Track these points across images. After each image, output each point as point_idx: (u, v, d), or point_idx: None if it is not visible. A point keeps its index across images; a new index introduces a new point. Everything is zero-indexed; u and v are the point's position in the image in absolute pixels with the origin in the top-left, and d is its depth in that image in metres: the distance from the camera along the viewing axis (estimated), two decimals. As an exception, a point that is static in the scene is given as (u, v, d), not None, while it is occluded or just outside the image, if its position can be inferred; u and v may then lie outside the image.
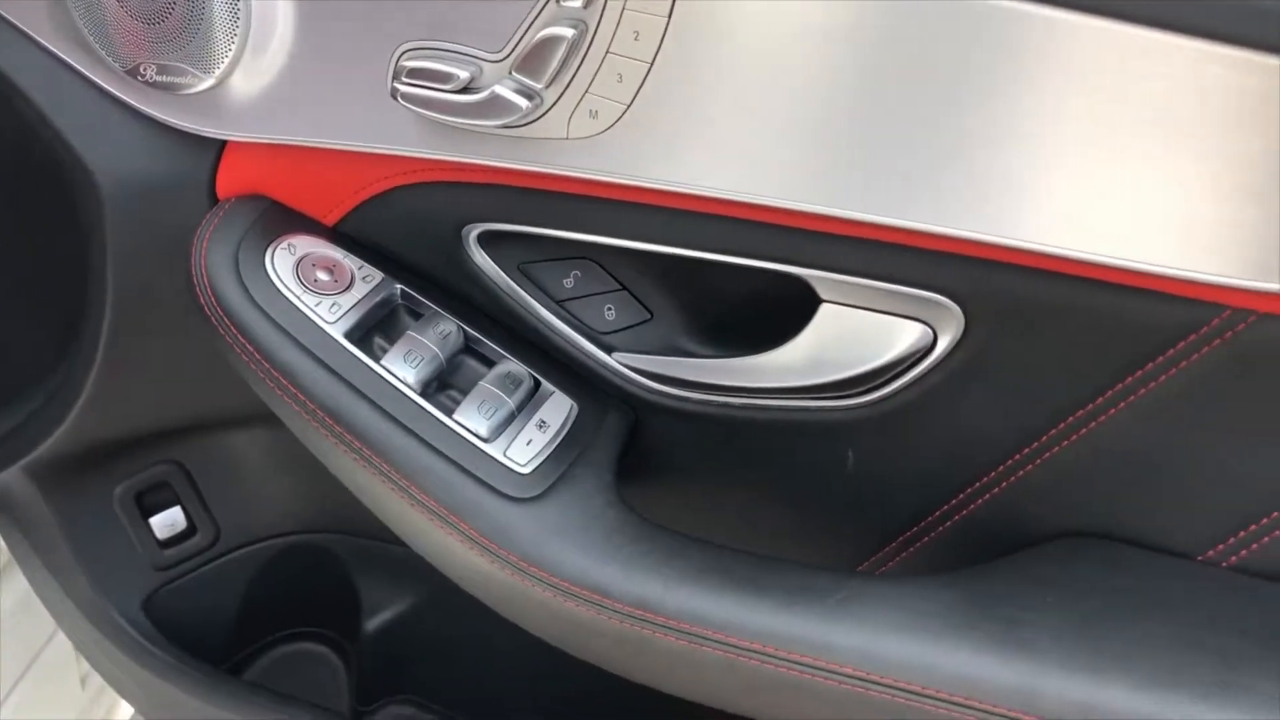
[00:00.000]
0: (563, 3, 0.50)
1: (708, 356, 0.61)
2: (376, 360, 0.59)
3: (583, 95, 0.52)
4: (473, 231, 0.61)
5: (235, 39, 0.57)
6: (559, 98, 0.53)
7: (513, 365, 0.62)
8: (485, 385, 0.60)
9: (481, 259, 0.62)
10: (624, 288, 0.62)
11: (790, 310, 0.57)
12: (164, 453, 0.78)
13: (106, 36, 0.58)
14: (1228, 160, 0.45)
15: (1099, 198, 0.47)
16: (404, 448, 0.57)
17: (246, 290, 0.60)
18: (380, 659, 0.86)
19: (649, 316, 0.63)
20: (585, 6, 0.50)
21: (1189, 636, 0.50)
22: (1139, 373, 0.52)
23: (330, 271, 0.61)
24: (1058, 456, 0.56)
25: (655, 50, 0.50)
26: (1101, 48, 0.45)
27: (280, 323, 0.59)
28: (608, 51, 0.51)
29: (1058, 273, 0.51)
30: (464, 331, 0.62)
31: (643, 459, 0.65)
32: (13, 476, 0.74)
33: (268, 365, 0.59)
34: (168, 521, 0.80)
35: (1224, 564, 0.55)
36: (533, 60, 0.52)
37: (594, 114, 0.53)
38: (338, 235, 0.63)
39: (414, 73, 0.54)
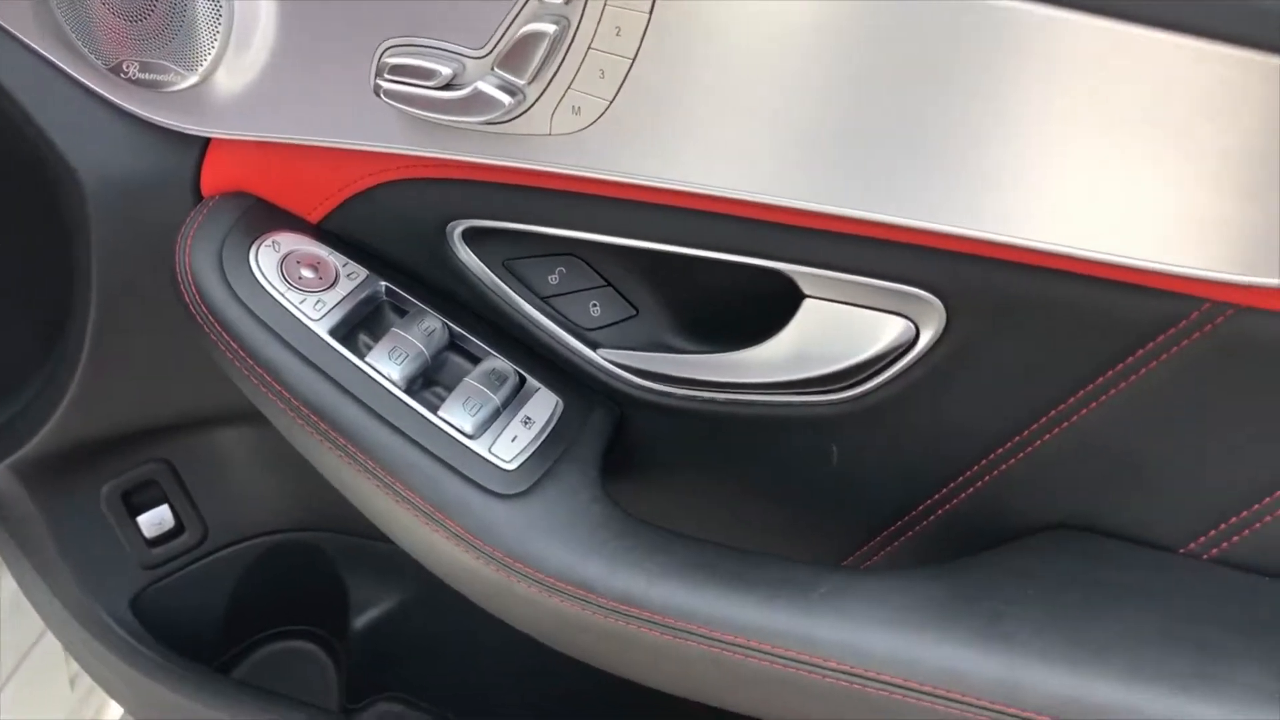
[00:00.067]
0: (544, -1, 0.51)
1: (692, 352, 0.62)
2: (361, 357, 0.59)
3: (565, 91, 0.52)
4: (457, 228, 0.61)
5: (218, 36, 0.57)
6: (541, 94, 0.53)
7: (498, 362, 0.62)
8: (470, 382, 0.60)
9: (466, 255, 0.62)
10: (609, 284, 0.62)
11: (774, 306, 0.58)
12: (151, 451, 0.78)
13: (89, 34, 0.58)
14: (1206, 154, 0.45)
15: (1079, 193, 0.48)
16: (389, 444, 0.57)
17: (231, 288, 0.60)
18: (369, 656, 0.86)
19: (634, 312, 0.63)
20: (567, 3, 0.50)
21: (1170, 629, 0.50)
22: (1120, 366, 0.53)
23: (315, 269, 0.61)
24: (1040, 450, 0.56)
25: (637, 46, 0.50)
26: (1080, 43, 0.45)
27: (265, 320, 0.59)
28: (590, 48, 0.51)
29: (1039, 267, 0.51)
30: (449, 328, 0.62)
31: (628, 455, 0.65)
32: (-1, 475, 0.74)
33: (252, 363, 0.59)
34: (155, 520, 0.80)
35: (1205, 556, 0.55)
36: (515, 57, 0.52)
37: (576, 110, 0.53)
38: (322, 232, 0.63)
39: (396, 69, 0.54)
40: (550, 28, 0.51)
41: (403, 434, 0.57)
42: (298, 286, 0.60)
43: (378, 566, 0.82)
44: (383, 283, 0.62)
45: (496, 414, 0.59)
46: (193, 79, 0.58)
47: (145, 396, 0.73)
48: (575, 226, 0.59)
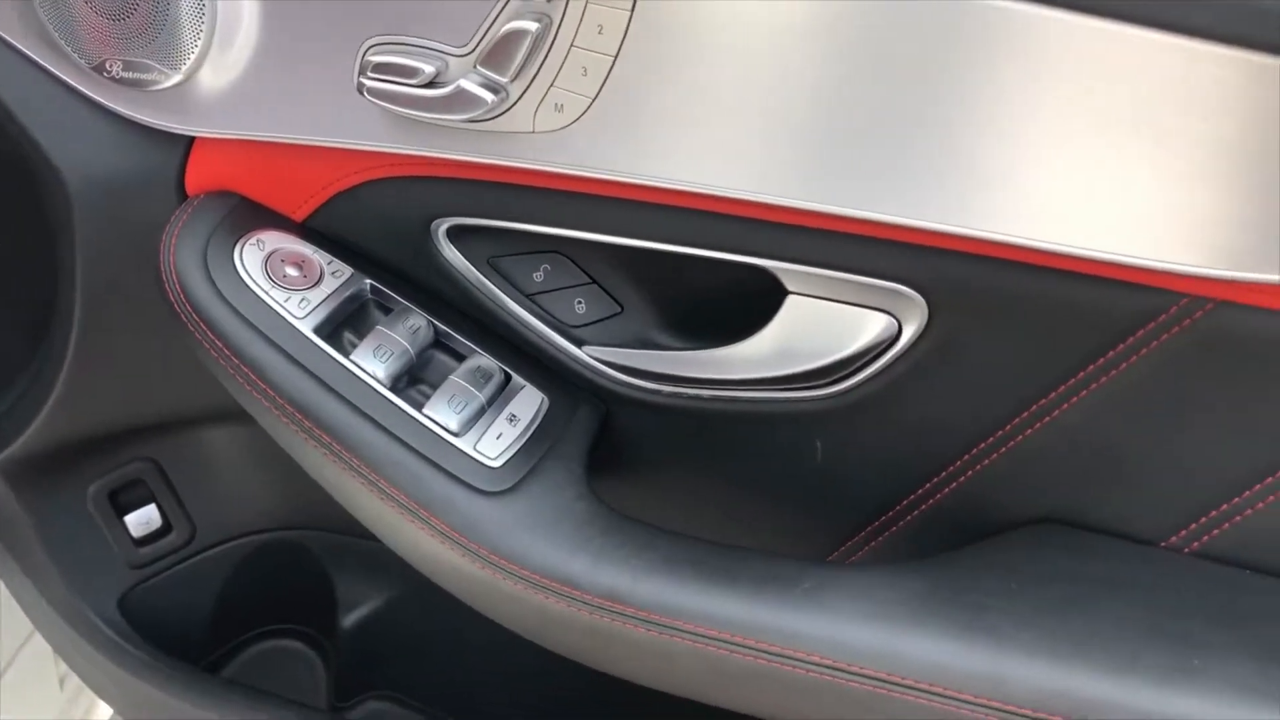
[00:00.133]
0: (526, -3, 0.51)
1: (678, 349, 0.62)
2: (346, 355, 0.59)
3: (548, 89, 0.53)
4: (441, 226, 0.61)
5: (201, 35, 0.57)
6: (524, 92, 0.53)
7: (483, 359, 0.62)
8: (455, 379, 0.60)
9: (451, 253, 0.62)
10: (594, 281, 0.62)
11: (758, 302, 0.58)
12: (138, 450, 0.78)
13: (72, 33, 0.58)
14: (1184, 151, 0.46)
15: (1060, 190, 0.48)
16: (373, 442, 0.57)
17: (215, 286, 0.60)
18: (358, 655, 0.86)
19: (619, 310, 0.63)
20: (549, 0, 0.50)
21: (1151, 622, 0.50)
22: (1100, 361, 0.53)
23: (299, 267, 0.61)
24: (1022, 445, 0.56)
25: (619, 44, 0.51)
26: (1060, 42, 0.46)
27: (249, 318, 0.59)
28: (572, 45, 0.51)
29: (1020, 263, 0.51)
30: (434, 326, 0.62)
31: (614, 452, 0.65)
32: (-15, 475, 0.74)
33: (237, 361, 0.59)
34: (143, 519, 0.80)
35: (1186, 550, 0.56)
36: (497, 54, 0.52)
37: (559, 108, 0.53)
38: (307, 231, 0.63)
39: (380, 67, 0.54)
40: (532, 25, 0.51)
41: (387, 431, 0.57)
42: (282, 285, 0.60)
43: (365, 565, 0.82)
44: (367, 281, 0.62)
45: (481, 411, 0.59)
46: (176, 78, 0.58)
47: (131, 396, 0.73)
48: (560, 224, 0.59)
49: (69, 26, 0.58)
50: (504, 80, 0.53)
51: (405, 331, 0.61)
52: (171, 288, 0.60)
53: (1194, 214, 0.47)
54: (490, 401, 0.60)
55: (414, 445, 0.57)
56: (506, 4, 0.51)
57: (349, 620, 0.85)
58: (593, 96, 0.52)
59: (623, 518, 0.57)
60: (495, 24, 0.52)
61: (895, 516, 0.62)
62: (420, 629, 0.84)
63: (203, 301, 0.59)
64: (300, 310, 0.60)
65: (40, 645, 1.02)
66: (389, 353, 0.60)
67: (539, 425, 0.60)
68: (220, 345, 0.59)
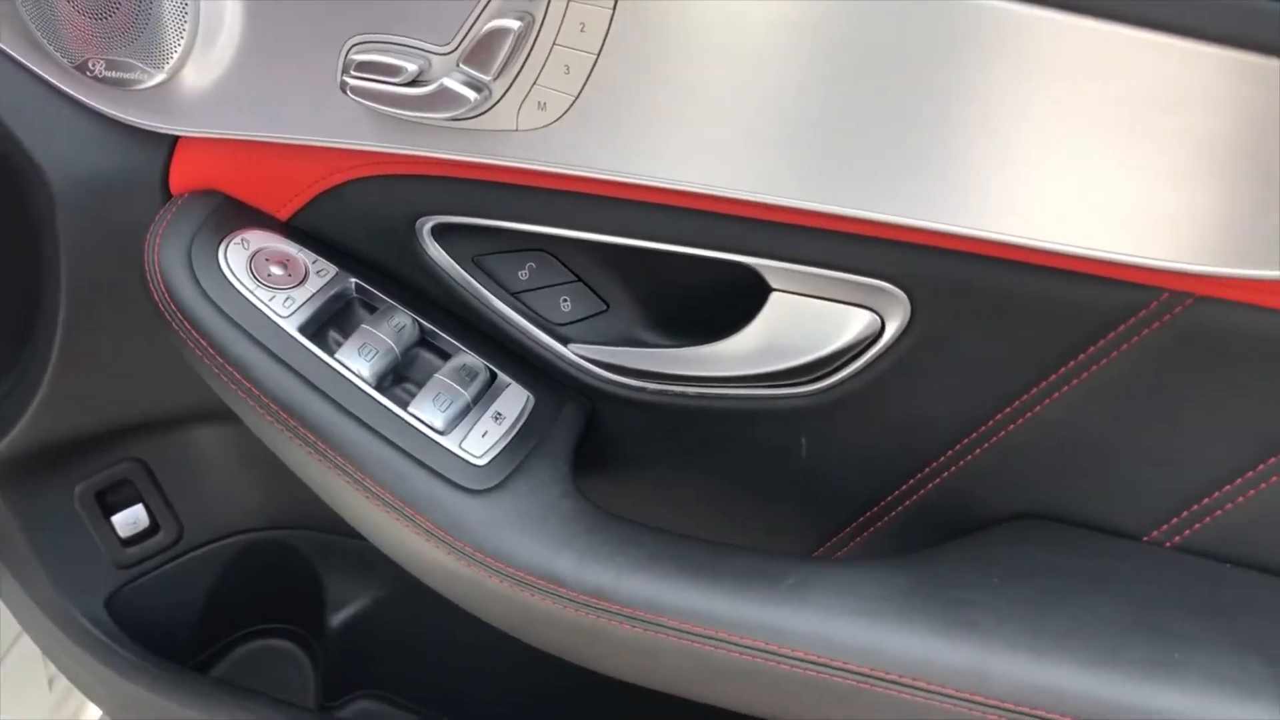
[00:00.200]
0: (508, -5, 0.51)
1: (663, 346, 0.62)
2: (331, 354, 0.59)
3: (531, 87, 0.53)
4: (426, 224, 0.61)
5: (184, 34, 0.57)
6: (507, 90, 0.53)
7: (468, 358, 0.62)
8: (440, 378, 0.60)
9: (435, 252, 0.62)
10: (579, 279, 0.63)
11: (742, 299, 0.58)
12: (125, 450, 0.78)
13: (55, 32, 0.58)
14: (1163, 147, 0.46)
15: (1040, 186, 0.48)
16: (358, 441, 0.57)
17: (200, 286, 0.60)
18: (346, 654, 0.86)
19: (604, 307, 0.63)
20: (531, -1, 0.51)
21: (1132, 616, 0.50)
22: (1081, 356, 0.53)
23: (284, 266, 0.61)
24: (1004, 441, 0.57)
25: (601, 42, 0.51)
26: (1040, 40, 0.46)
27: (234, 317, 0.59)
28: (554, 43, 0.51)
29: (1001, 259, 0.51)
30: (419, 324, 0.62)
31: (600, 449, 0.65)
32: (-30, 476, 0.74)
33: (221, 360, 0.59)
34: (130, 520, 0.80)
35: (1167, 544, 0.56)
36: (480, 52, 0.52)
37: (542, 106, 0.53)
38: (291, 230, 0.63)
39: (363, 66, 0.54)
40: (515, 24, 0.51)
41: (372, 430, 0.57)
42: (267, 284, 0.60)
43: (353, 564, 0.82)
44: (352, 279, 0.62)
45: (467, 410, 0.59)
46: (159, 77, 0.58)
47: (117, 396, 0.73)
48: (544, 222, 0.59)
49: (51, 25, 0.58)
50: (487, 78, 0.53)
51: (390, 330, 0.61)
52: (156, 287, 0.60)
53: (1174, 210, 0.47)
54: (475, 400, 0.60)
55: (399, 444, 0.57)
56: (489, 2, 0.51)
57: (337, 619, 0.85)
58: (575, 94, 0.52)
59: (608, 515, 0.57)
60: (478, 22, 0.52)
61: (880, 512, 0.62)
62: (409, 628, 0.84)
63: (187, 300, 0.59)
64: (285, 309, 0.60)
65: (29, 646, 1.02)
66: (374, 351, 0.60)
67: (524, 423, 0.60)
68: (205, 344, 0.59)
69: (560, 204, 0.58)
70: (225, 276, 0.60)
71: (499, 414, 0.60)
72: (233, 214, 0.62)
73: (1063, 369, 0.54)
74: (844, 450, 0.61)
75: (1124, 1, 0.45)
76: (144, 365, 0.70)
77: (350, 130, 0.57)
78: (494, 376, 0.62)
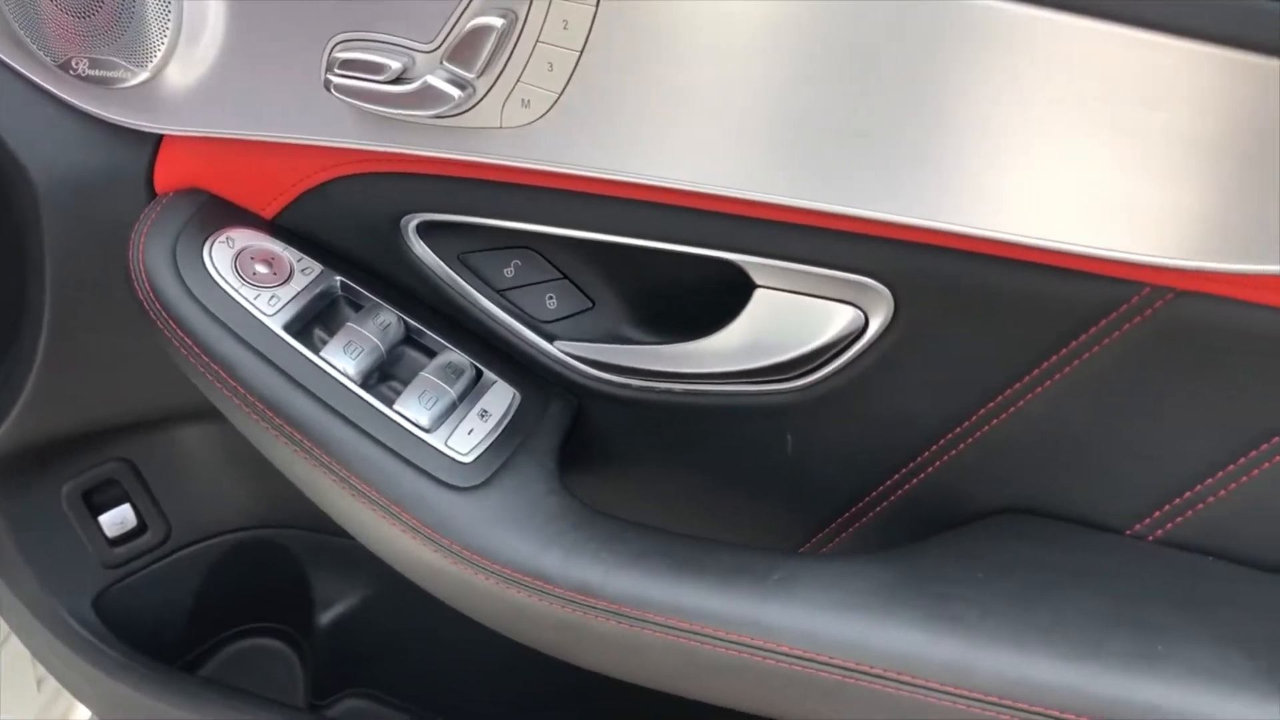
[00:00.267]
0: (492, -8, 0.51)
1: (648, 343, 0.62)
2: (316, 352, 0.59)
3: (514, 84, 0.53)
4: (411, 222, 0.61)
5: (167, 32, 0.57)
6: (491, 87, 0.53)
7: (454, 355, 0.62)
8: (426, 375, 0.60)
9: (421, 249, 0.62)
10: (565, 276, 0.63)
11: (727, 296, 0.58)
12: (112, 450, 0.78)
13: (38, 31, 0.58)
14: (1143, 142, 0.46)
15: (1022, 182, 0.48)
16: (344, 439, 0.57)
17: (184, 284, 0.60)
18: (335, 653, 0.86)
19: (590, 305, 0.63)
20: (514, -4, 0.51)
21: (1115, 609, 0.51)
22: (1063, 351, 0.53)
23: (269, 264, 0.61)
24: (988, 435, 0.57)
25: (584, 39, 0.51)
26: (1021, 36, 0.46)
27: (219, 316, 0.59)
28: (538, 41, 0.51)
29: (983, 254, 0.51)
30: (404, 322, 0.62)
31: (586, 446, 0.65)
32: (-44, 477, 0.74)
33: (206, 359, 0.59)
34: (117, 519, 0.80)
35: (1150, 538, 0.56)
36: (464, 50, 0.52)
37: (526, 103, 0.53)
38: (276, 228, 0.63)
39: (346, 64, 0.54)
40: (498, 21, 0.51)
41: (358, 428, 0.57)
42: (252, 282, 0.60)
43: (342, 562, 0.82)
44: (338, 277, 0.62)
45: (453, 407, 0.60)
46: (143, 75, 0.58)
47: (103, 395, 0.72)
48: (530, 219, 0.59)
49: (34, 24, 0.58)
50: (470, 76, 0.53)
51: (376, 328, 0.61)
52: (141, 286, 0.60)
53: (1155, 205, 0.47)
54: (461, 397, 0.60)
55: (385, 442, 0.57)
56: (472, 0, 0.51)
57: (326, 618, 0.85)
58: (559, 92, 0.52)
59: (595, 512, 0.57)
60: (461, 20, 0.52)
61: (865, 508, 0.63)
62: (398, 626, 0.84)
63: (172, 299, 0.59)
64: (270, 307, 0.60)
65: (17, 647, 1.02)
66: (359, 349, 0.60)
67: (510, 421, 0.60)
68: (190, 343, 0.59)
69: (545, 201, 0.58)
70: (210, 275, 0.60)
71: (485, 411, 0.60)
72: (217, 212, 0.62)
73: (1045, 364, 0.54)
74: (829, 446, 0.61)
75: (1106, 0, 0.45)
76: (130, 365, 0.70)
77: (334, 128, 0.57)
78: (480, 374, 0.62)
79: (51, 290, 0.65)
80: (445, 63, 0.53)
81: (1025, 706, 0.48)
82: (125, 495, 0.79)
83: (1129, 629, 0.50)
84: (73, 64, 0.59)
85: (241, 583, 0.84)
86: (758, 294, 0.57)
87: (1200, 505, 0.55)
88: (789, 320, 0.57)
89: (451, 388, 0.60)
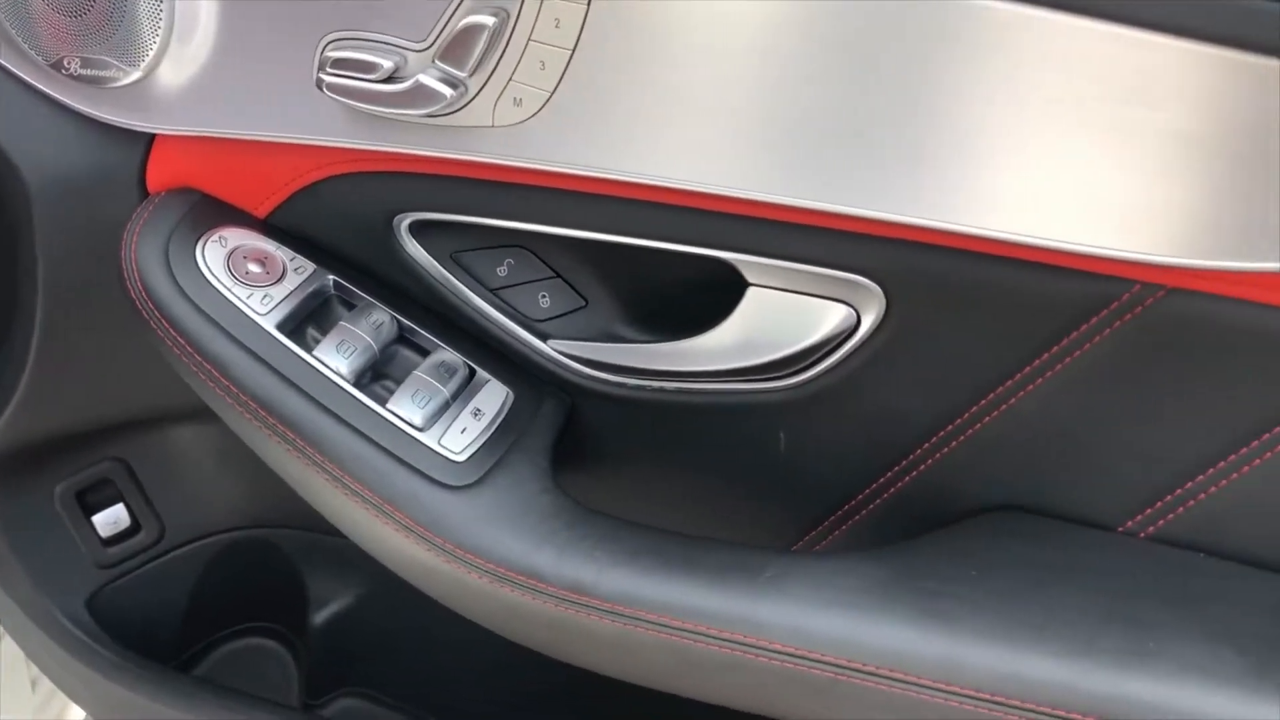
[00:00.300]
0: (483, -10, 0.51)
1: (641, 342, 0.62)
2: (309, 351, 0.59)
3: (506, 83, 0.53)
4: (404, 221, 0.61)
5: (159, 31, 0.57)
6: (483, 86, 0.53)
7: (447, 354, 0.62)
8: (419, 374, 0.60)
9: (414, 248, 0.62)
10: (558, 275, 0.63)
11: (720, 294, 0.58)
12: (105, 450, 0.78)
13: (30, 30, 0.58)
14: (1133, 138, 0.46)
15: (1011, 178, 0.48)
16: (337, 438, 0.57)
17: (177, 283, 0.60)
18: (329, 652, 0.86)
19: (583, 303, 0.63)
20: (506, -6, 0.51)
21: (1106, 606, 0.51)
22: (1054, 348, 0.54)
23: (262, 263, 0.61)
24: (980, 433, 0.57)
25: (576, 37, 0.51)
26: (1012, 33, 0.46)
27: (211, 315, 0.59)
28: (529, 39, 0.51)
29: (974, 252, 0.52)
30: (398, 321, 0.62)
31: (579, 445, 0.65)
32: (-51, 477, 0.74)
33: (199, 358, 0.59)
34: (111, 519, 0.80)
35: (1142, 534, 0.56)
36: (455, 49, 0.52)
37: (518, 102, 0.53)
38: (269, 227, 0.63)
39: (338, 63, 0.54)
40: (490, 20, 0.51)
41: (351, 427, 0.57)
42: (245, 281, 0.60)
43: (336, 561, 0.82)
44: (330, 276, 0.62)
45: (446, 406, 0.60)
46: (135, 74, 0.58)
47: (97, 395, 0.72)
48: (522, 218, 0.59)
49: (26, 23, 0.58)
50: (462, 75, 0.53)
51: (369, 327, 0.61)
52: (133, 285, 0.60)
53: (1146, 202, 0.47)
54: (454, 396, 0.60)
55: (378, 440, 0.57)
56: (464, -1, 0.51)
57: (320, 617, 0.85)
58: (551, 90, 0.52)
59: (588, 510, 0.57)
60: (453, 18, 0.52)
61: (858, 505, 0.63)
62: (391, 625, 0.84)
63: (165, 299, 0.59)
64: (263, 307, 0.60)
65: (12, 648, 1.01)
66: (352, 348, 0.60)
67: (504, 419, 0.60)
68: (182, 342, 0.59)
69: (538, 200, 0.58)
70: (203, 274, 0.60)
71: (478, 410, 0.60)
72: (210, 212, 0.62)
73: (1037, 361, 0.54)
74: (822, 444, 0.61)
75: (1096, -2, 0.45)
76: (123, 364, 0.70)
77: (327, 127, 0.57)
78: (473, 373, 0.62)
79: (44, 290, 0.65)
80: (437, 61, 0.53)
81: (1017, 703, 0.48)
82: (119, 495, 0.79)
83: (1120, 626, 0.50)
84: (65, 63, 0.59)
85: (235, 582, 0.84)
86: (750, 292, 0.57)
87: (1191, 502, 0.55)
88: (781, 318, 0.57)
89: (444, 387, 0.60)
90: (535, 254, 0.62)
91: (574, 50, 0.51)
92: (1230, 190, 0.46)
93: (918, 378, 0.57)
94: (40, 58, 0.59)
